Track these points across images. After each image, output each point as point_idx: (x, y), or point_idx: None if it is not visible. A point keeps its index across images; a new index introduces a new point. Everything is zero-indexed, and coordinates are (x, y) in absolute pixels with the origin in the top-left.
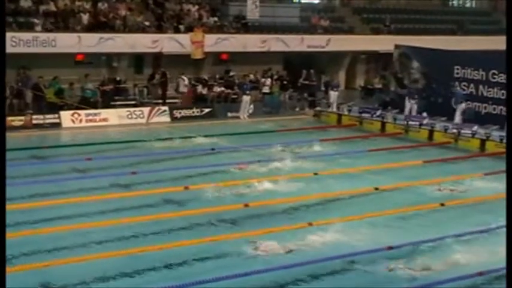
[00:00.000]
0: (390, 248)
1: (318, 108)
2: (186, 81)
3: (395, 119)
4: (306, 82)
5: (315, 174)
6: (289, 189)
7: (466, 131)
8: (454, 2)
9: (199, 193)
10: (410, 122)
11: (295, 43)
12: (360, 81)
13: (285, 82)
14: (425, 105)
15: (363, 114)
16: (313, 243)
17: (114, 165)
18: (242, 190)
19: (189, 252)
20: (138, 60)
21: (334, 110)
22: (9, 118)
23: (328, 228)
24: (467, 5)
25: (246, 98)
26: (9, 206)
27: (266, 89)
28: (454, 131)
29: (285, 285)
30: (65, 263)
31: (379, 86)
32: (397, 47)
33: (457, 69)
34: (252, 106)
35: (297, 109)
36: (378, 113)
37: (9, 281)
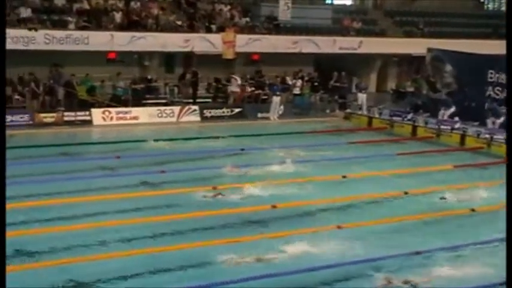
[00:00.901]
0: (418, 253)
1: (348, 111)
2: (239, 81)
3: (426, 123)
4: (337, 84)
5: (344, 177)
6: (317, 192)
7: (499, 137)
8: (489, 6)
9: (227, 193)
10: (442, 127)
11: (327, 45)
12: (391, 84)
13: (315, 84)
14: (457, 110)
15: (394, 118)
16: (341, 246)
17: (143, 164)
18: (270, 191)
19: (214, 252)
20: (169, 59)
21: (365, 112)
22: (41, 115)
23: (356, 231)
24: (503, 8)
25: (276, 99)
26: (37, 203)
27: (296, 91)
28: (487, 136)
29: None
30: (91, 260)
31: (411, 89)
32: (429, 50)
33: (491, 73)
34: (282, 107)
35: (327, 111)
36: (409, 116)
37: (33, 277)
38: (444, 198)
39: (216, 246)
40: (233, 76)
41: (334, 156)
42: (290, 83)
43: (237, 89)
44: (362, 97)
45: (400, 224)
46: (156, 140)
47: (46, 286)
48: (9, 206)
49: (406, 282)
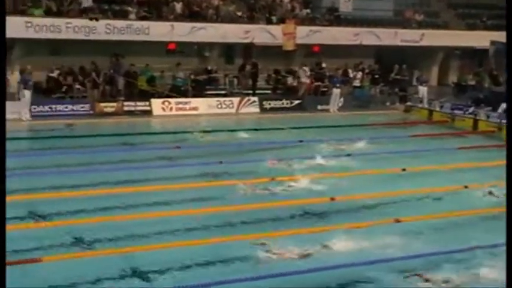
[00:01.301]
0: (477, 247)
1: (408, 104)
2: (308, 72)
3: (488, 117)
4: (398, 77)
5: (403, 170)
6: (376, 185)
7: None
8: None
9: (285, 185)
10: (503, 121)
11: (388, 37)
12: (453, 78)
13: (376, 76)
14: None
15: (455, 111)
16: (399, 240)
17: (202, 155)
18: (329, 183)
19: (272, 243)
20: (229, 50)
21: (425, 105)
22: (101, 104)
23: (414, 225)
24: None
25: (336, 91)
26: (96, 191)
27: (357, 83)
28: None
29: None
30: (148, 249)
31: (473, 82)
32: (492, 43)
33: None
34: (342, 99)
35: (388, 104)
36: (471, 110)
37: (93, 265)
38: (491, 193)
39: (274, 238)
40: (302, 67)
41: (394, 150)
42: (351, 75)
43: (307, 80)
44: (423, 90)
45: (460, 218)
46: (203, 132)
47: (105, 274)
48: (69, 194)
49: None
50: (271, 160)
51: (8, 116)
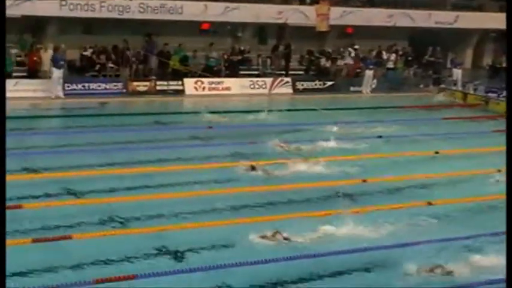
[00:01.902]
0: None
1: (442, 86)
2: (353, 53)
3: None
4: (432, 59)
5: (436, 152)
6: (408, 167)
7: None
8: None
9: (317, 166)
10: None
11: (422, 19)
12: (487, 60)
13: (409, 58)
14: None
15: (489, 94)
16: (428, 223)
17: (234, 135)
18: (360, 165)
19: (310, 223)
20: (262, 30)
21: (459, 88)
22: (134, 83)
23: (446, 208)
24: None
25: (368, 73)
26: (128, 170)
27: (390, 65)
28: None
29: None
30: (179, 228)
31: None
32: None
33: None
34: (375, 81)
35: (421, 86)
36: (505, 93)
37: (124, 243)
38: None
39: (310, 218)
40: (348, 48)
41: (427, 132)
42: (385, 57)
43: (351, 61)
44: (457, 73)
45: (493, 202)
46: (210, 113)
47: (137, 253)
48: (101, 172)
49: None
50: (280, 143)
51: (40, 94)
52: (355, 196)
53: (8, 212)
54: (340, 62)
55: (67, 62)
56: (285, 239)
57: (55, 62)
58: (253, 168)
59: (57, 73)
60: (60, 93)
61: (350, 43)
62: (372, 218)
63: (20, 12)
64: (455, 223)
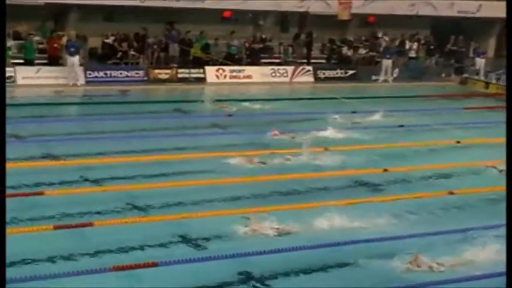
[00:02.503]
0: None
1: (464, 75)
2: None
3: None
4: (454, 48)
5: (458, 142)
6: (430, 156)
7: None
8: None
9: (339, 155)
10: None
11: (445, 7)
12: None
13: (431, 47)
14: None
15: None
16: (453, 212)
17: (255, 123)
18: (381, 154)
19: (329, 212)
20: (284, 19)
21: (482, 77)
22: (155, 71)
23: (468, 197)
24: None
25: (386, 62)
26: (149, 157)
27: (412, 54)
28: None
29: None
30: (200, 216)
31: None
32: None
33: None
34: (397, 70)
35: (443, 75)
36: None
37: (145, 231)
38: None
39: (328, 207)
40: (383, 37)
41: (449, 121)
42: (407, 46)
43: None
44: (480, 62)
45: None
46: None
47: (157, 240)
48: (121, 160)
49: None
50: (273, 131)
51: (61, 81)
52: (376, 185)
53: (29, 198)
54: (345, 51)
55: (88, 50)
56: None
57: (67, 49)
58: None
59: (70, 60)
60: (80, 81)
61: (372, 32)
62: (393, 207)
63: (43, 0)
64: (477, 213)
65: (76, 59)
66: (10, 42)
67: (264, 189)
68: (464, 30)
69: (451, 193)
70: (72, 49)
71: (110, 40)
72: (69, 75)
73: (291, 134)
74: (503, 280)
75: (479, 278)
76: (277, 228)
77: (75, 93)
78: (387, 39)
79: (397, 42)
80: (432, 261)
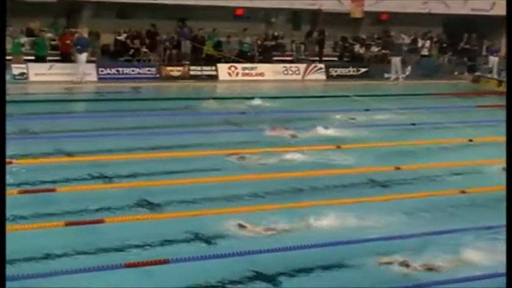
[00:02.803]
0: None
1: (477, 74)
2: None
3: None
4: (467, 46)
5: (470, 140)
6: (442, 155)
7: None
8: None
9: (350, 153)
10: None
11: (458, 6)
12: None
13: (444, 45)
14: None
15: None
16: (465, 211)
17: (267, 121)
18: (393, 152)
19: (342, 210)
20: (296, 16)
21: (495, 76)
22: (167, 68)
23: (480, 196)
24: None
25: (394, 60)
26: (161, 154)
27: (425, 52)
28: None
29: None
30: (212, 213)
31: None
32: None
33: None
34: (409, 68)
35: (456, 73)
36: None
37: (158, 228)
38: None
39: (340, 205)
40: (401, 35)
41: (461, 119)
42: (419, 44)
43: None
44: (493, 60)
45: None
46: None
47: (170, 237)
48: (133, 156)
49: None
50: (271, 130)
51: (73, 77)
52: (388, 183)
53: (41, 195)
54: (357, 49)
55: (101, 47)
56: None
57: (75, 46)
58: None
59: (78, 57)
60: (85, 78)
61: (384, 30)
62: (405, 205)
63: None
64: (489, 211)
65: (83, 56)
66: (23, 39)
67: (276, 186)
68: (478, 28)
69: (463, 192)
70: (80, 46)
71: (122, 37)
72: (77, 72)
73: (303, 131)
74: None
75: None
76: (289, 226)
77: (87, 89)
78: (404, 36)
79: (409, 40)
80: (442, 260)
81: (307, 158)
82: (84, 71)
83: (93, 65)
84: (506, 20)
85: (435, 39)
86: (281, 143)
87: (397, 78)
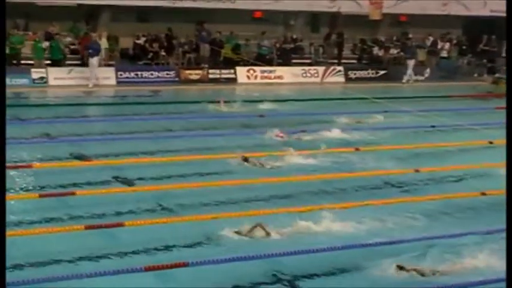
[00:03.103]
0: None
1: (497, 75)
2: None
3: None
4: (486, 48)
5: (490, 142)
6: (462, 157)
7: None
8: None
9: (370, 155)
10: None
11: (477, 7)
12: None
13: (463, 47)
14: None
15: None
16: (485, 213)
17: (286, 123)
18: (412, 154)
19: (363, 212)
20: (314, 19)
21: None
22: (186, 71)
23: (500, 199)
24: None
25: (409, 62)
26: (178, 158)
27: (444, 53)
28: None
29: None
30: (231, 216)
31: None
32: None
33: None
34: (428, 70)
35: (475, 75)
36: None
37: (176, 231)
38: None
39: (360, 207)
40: (428, 37)
41: (481, 121)
42: (439, 46)
43: None
44: None
45: None
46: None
47: (189, 240)
48: (152, 160)
49: None
50: (278, 132)
51: (100, 81)
52: (407, 186)
53: (61, 198)
54: (376, 51)
55: (120, 51)
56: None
57: (87, 51)
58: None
59: (90, 61)
60: (93, 81)
61: (403, 32)
62: (424, 207)
63: (76, 1)
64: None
65: (95, 60)
66: (45, 44)
67: (295, 189)
68: (497, 30)
69: (483, 194)
70: (91, 50)
71: (141, 41)
72: (90, 77)
73: (320, 133)
74: None
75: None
76: (309, 228)
77: (106, 93)
78: (431, 38)
79: (429, 42)
80: (462, 262)
81: (325, 160)
82: (97, 75)
83: (112, 69)
84: (506, 20)
85: (454, 41)
86: (298, 145)
87: (408, 80)
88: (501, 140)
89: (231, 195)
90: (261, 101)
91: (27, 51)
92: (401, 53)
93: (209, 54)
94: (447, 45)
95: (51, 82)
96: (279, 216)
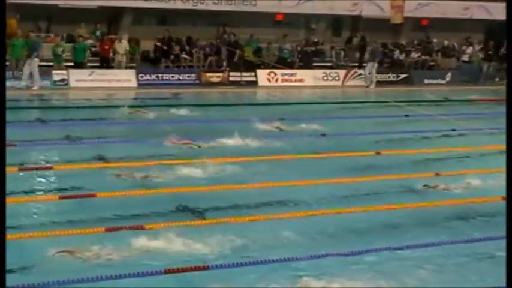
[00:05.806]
0: None
1: None
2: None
3: None
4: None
5: None
6: (482, 161)
7: None
8: None
9: (390, 158)
10: None
11: (499, 11)
12: None
13: (486, 51)
14: None
15: None
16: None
17: (306, 128)
18: (432, 159)
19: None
20: (336, 22)
21: None
22: (207, 74)
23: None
24: None
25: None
26: (199, 160)
27: (465, 58)
28: None
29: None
30: (253, 220)
31: None
32: None
33: None
34: (449, 74)
35: (497, 79)
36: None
37: (196, 234)
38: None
39: (376, 211)
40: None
41: (502, 126)
42: (465, 50)
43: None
44: None
45: None
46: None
47: (207, 244)
48: (173, 162)
49: None
50: (171, 139)
51: (114, 84)
52: (422, 192)
53: (81, 200)
54: (397, 55)
55: (141, 53)
56: None
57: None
58: None
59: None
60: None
61: (425, 36)
62: (444, 213)
63: (97, 3)
64: None
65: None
66: (60, 49)
67: (315, 194)
68: None
69: (505, 199)
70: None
71: (162, 43)
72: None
73: (339, 137)
74: None
75: None
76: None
77: (127, 95)
78: (455, 44)
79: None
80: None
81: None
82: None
83: (133, 71)
84: (507, 20)
85: (476, 46)
86: (322, 149)
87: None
88: None
89: (256, 199)
90: (281, 104)
91: (47, 54)
92: (427, 57)
93: (230, 57)
94: (469, 50)
95: (73, 84)
96: (313, 220)
